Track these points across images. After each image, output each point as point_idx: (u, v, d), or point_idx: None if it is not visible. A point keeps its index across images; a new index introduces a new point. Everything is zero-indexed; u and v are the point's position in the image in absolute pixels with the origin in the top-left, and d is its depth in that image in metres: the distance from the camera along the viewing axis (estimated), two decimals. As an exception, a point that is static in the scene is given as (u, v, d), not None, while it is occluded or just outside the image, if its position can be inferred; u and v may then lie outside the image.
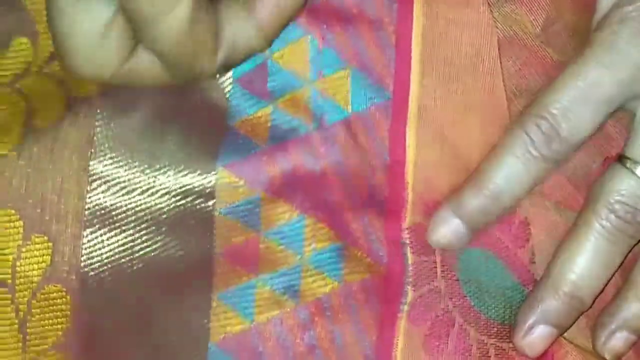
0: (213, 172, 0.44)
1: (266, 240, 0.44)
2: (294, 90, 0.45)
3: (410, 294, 0.44)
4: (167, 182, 0.44)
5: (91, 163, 0.44)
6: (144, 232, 0.44)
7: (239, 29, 0.42)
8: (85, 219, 0.44)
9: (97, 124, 0.44)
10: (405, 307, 0.44)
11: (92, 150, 0.44)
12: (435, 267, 0.44)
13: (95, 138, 0.44)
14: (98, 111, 0.44)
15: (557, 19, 0.46)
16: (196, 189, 0.44)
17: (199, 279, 0.44)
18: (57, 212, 0.44)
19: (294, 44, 0.45)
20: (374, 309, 0.44)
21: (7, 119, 0.45)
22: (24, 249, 0.43)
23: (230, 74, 0.45)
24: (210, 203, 0.44)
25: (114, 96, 0.44)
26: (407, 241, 0.44)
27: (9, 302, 0.43)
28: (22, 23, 0.46)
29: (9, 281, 0.43)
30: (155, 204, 0.44)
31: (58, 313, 0.44)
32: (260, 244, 0.44)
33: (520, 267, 0.45)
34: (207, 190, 0.44)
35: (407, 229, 0.44)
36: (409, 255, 0.44)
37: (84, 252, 0.43)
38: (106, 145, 0.44)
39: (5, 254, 0.43)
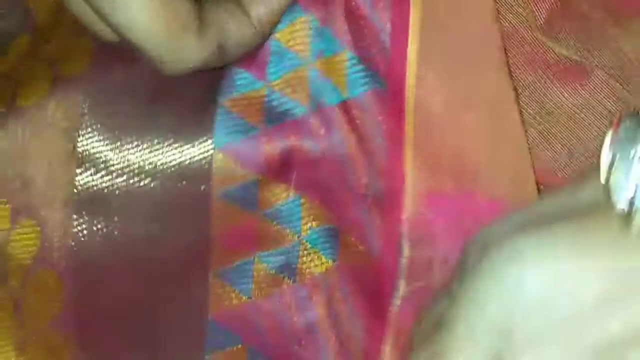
0: (208, 153, 0.43)
1: (263, 220, 0.44)
2: (292, 70, 0.44)
3: (402, 288, 0.43)
4: (159, 164, 0.43)
5: (79, 145, 0.43)
6: (136, 215, 0.43)
7: (232, 22, 0.41)
8: (74, 203, 0.43)
9: (83, 105, 0.43)
10: (398, 302, 0.43)
11: (80, 132, 0.43)
12: (432, 263, 0.43)
13: (83, 119, 0.43)
14: (86, 90, 0.43)
15: (564, 11, 0.45)
16: (191, 170, 0.43)
17: (195, 259, 0.44)
18: (44, 196, 0.43)
19: (294, 22, 0.44)
20: (364, 296, 0.44)
21: None
22: (12, 233, 0.43)
23: None
24: (205, 186, 0.44)
25: (101, 75, 0.44)
26: (406, 232, 0.43)
27: (2, 284, 0.43)
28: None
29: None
30: (149, 186, 0.43)
31: (51, 295, 0.43)
32: (256, 223, 0.44)
33: None
34: (203, 172, 0.43)
35: (406, 219, 0.43)
36: (405, 247, 0.43)
37: (74, 236, 0.43)
38: (95, 127, 0.43)
39: None
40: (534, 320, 0.34)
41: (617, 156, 0.34)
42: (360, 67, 0.44)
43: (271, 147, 0.44)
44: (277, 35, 0.44)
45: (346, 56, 0.44)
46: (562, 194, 0.37)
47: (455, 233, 0.43)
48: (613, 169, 0.34)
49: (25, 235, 0.43)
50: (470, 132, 0.43)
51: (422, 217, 0.43)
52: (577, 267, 0.34)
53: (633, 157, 0.34)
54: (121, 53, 0.43)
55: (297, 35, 0.44)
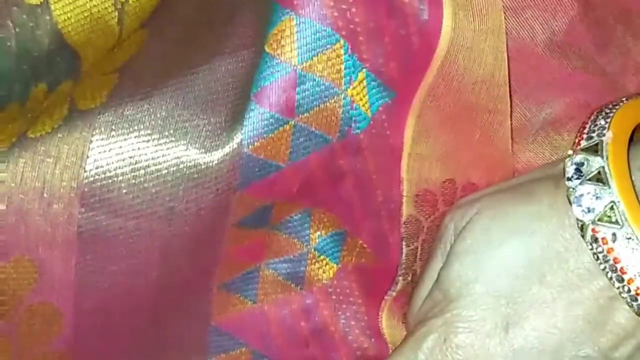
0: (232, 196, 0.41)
1: (272, 233, 0.44)
2: (325, 102, 0.41)
3: (400, 284, 0.44)
4: (171, 204, 0.41)
5: (85, 183, 0.40)
6: (143, 256, 0.41)
7: None
8: (75, 245, 0.40)
9: (92, 138, 0.40)
10: (393, 294, 0.44)
11: (85, 169, 0.40)
12: (416, 253, 0.44)
13: (88, 154, 0.40)
14: (96, 126, 0.40)
15: (579, 24, 0.45)
16: (206, 210, 0.41)
17: (201, 274, 0.43)
18: (43, 235, 0.40)
19: (328, 50, 0.41)
20: (367, 295, 0.45)
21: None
22: (8, 266, 0.41)
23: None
24: (221, 220, 0.42)
25: (114, 109, 0.40)
26: (404, 235, 0.44)
27: None
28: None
29: None
30: (159, 227, 0.41)
31: (51, 328, 0.42)
32: (266, 237, 0.44)
33: None
34: (221, 210, 0.41)
35: (404, 223, 0.44)
36: (404, 248, 0.44)
37: (76, 273, 0.42)
38: (101, 163, 0.40)
39: None
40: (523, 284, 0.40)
41: (574, 172, 0.40)
42: (375, 82, 0.42)
43: (292, 182, 0.42)
44: (307, 64, 0.40)
45: (364, 74, 0.42)
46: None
47: (432, 220, 0.45)
48: (572, 182, 0.40)
49: (22, 271, 0.42)
50: (466, 133, 0.44)
51: (412, 218, 0.45)
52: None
53: (585, 177, 0.39)
54: (139, 89, 0.40)
55: (332, 62, 0.41)
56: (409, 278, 0.45)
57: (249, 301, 0.44)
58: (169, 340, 0.44)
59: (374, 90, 0.42)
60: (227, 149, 0.40)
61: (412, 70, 0.42)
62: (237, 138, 0.40)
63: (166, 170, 0.40)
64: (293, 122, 0.41)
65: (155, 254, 0.41)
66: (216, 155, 0.40)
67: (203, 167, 0.40)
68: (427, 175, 0.44)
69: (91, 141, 0.40)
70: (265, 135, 0.40)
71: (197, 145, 0.40)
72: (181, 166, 0.40)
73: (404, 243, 0.44)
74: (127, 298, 0.42)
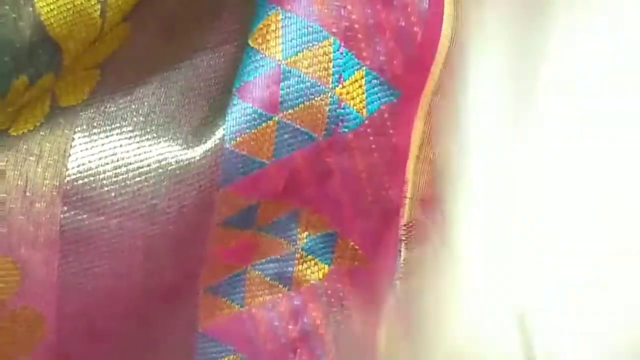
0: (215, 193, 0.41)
1: (258, 234, 0.43)
2: (310, 100, 0.41)
3: (398, 288, 0.44)
4: (153, 202, 0.40)
5: (66, 181, 0.39)
6: (125, 255, 0.40)
7: None
8: (58, 245, 0.40)
9: (74, 136, 0.39)
10: (392, 300, 0.44)
11: (67, 167, 0.39)
12: (422, 260, 0.44)
13: (70, 152, 0.39)
14: (78, 123, 0.39)
15: None
16: (190, 207, 0.40)
17: (186, 278, 0.42)
18: (26, 235, 0.39)
19: (315, 47, 0.40)
20: (359, 298, 0.44)
21: None
22: None
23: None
24: (205, 218, 0.41)
25: (97, 106, 0.40)
26: (404, 237, 0.44)
27: None
28: None
29: None
30: (141, 226, 0.40)
31: (33, 333, 0.41)
32: (252, 238, 0.43)
33: None
34: (204, 208, 0.41)
35: (404, 225, 0.44)
36: (403, 251, 0.43)
37: (59, 274, 0.41)
38: (84, 161, 0.39)
39: None
40: None
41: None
42: (376, 81, 0.42)
43: (277, 179, 0.42)
44: (292, 60, 0.40)
45: (363, 73, 0.41)
46: None
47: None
48: None
49: (5, 272, 0.41)
50: None
51: (417, 223, 0.43)
52: None
53: None
54: (121, 85, 0.40)
55: (318, 59, 0.40)
56: (410, 282, 0.44)
57: (236, 305, 0.43)
58: (154, 346, 0.43)
59: (374, 89, 0.41)
60: (209, 145, 0.40)
61: (417, 65, 0.41)
62: (219, 133, 0.39)
63: (148, 167, 0.39)
64: (277, 118, 0.40)
65: (138, 254, 0.40)
66: (198, 151, 0.40)
67: (185, 163, 0.40)
68: (436, 179, 0.43)
69: (73, 139, 0.39)
70: (247, 130, 0.40)
71: (179, 141, 0.40)
72: (163, 163, 0.39)
73: (403, 246, 0.43)
74: (110, 302, 0.41)
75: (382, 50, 0.41)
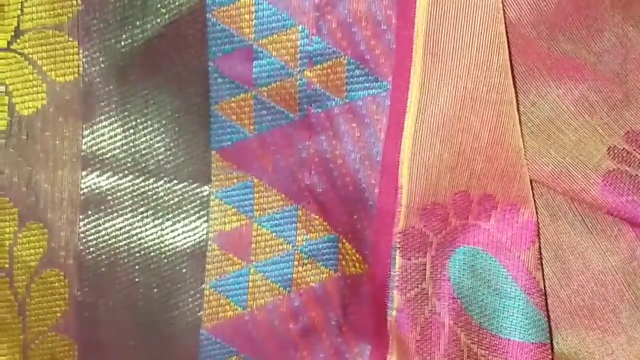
0: (207, 154, 0.45)
1: (259, 227, 0.45)
2: (281, 80, 0.43)
3: (396, 299, 0.43)
4: (162, 163, 0.44)
5: (84, 147, 0.44)
6: (140, 216, 0.44)
7: None
8: (80, 204, 0.44)
9: (84, 107, 0.44)
10: (394, 313, 0.43)
11: (84, 134, 0.44)
12: (425, 269, 0.43)
13: (85, 120, 0.44)
14: (84, 94, 0.44)
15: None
16: (192, 173, 0.45)
17: (193, 265, 0.45)
18: (51, 200, 0.44)
19: (283, 33, 0.43)
20: (363, 305, 0.45)
21: None
22: (20, 235, 0.44)
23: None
24: (206, 187, 0.45)
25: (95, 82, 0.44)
26: (398, 245, 0.44)
27: (8, 285, 0.44)
28: None
29: (7, 266, 0.44)
30: (152, 188, 0.45)
31: (57, 296, 0.45)
32: (253, 231, 0.45)
33: (523, 273, 0.43)
34: (203, 174, 0.44)
35: (399, 233, 0.43)
36: (398, 258, 0.43)
37: (80, 236, 0.44)
38: (102, 125, 0.44)
39: (1, 240, 0.44)
40: None
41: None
42: (360, 71, 0.43)
43: (263, 154, 0.44)
44: (263, 41, 0.43)
45: (344, 61, 0.43)
46: None
47: (444, 236, 0.44)
48: None
49: (32, 238, 0.44)
50: (473, 134, 0.43)
51: (415, 230, 0.43)
52: None
53: None
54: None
55: (286, 44, 0.43)
56: (412, 295, 0.44)
57: (239, 307, 0.45)
58: (162, 343, 0.46)
59: (358, 78, 0.43)
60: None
61: (399, 54, 0.42)
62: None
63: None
64: (253, 93, 0.44)
65: (149, 215, 0.45)
66: None
67: None
68: (435, 186, 0.43)
69: (84, 109, 0.44)
70: (227, 97, 0.44)
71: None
72: None
73: (398, 254, 0.43)
74: (124, 274, 0.43)
75: (361, 39, 0.43)
